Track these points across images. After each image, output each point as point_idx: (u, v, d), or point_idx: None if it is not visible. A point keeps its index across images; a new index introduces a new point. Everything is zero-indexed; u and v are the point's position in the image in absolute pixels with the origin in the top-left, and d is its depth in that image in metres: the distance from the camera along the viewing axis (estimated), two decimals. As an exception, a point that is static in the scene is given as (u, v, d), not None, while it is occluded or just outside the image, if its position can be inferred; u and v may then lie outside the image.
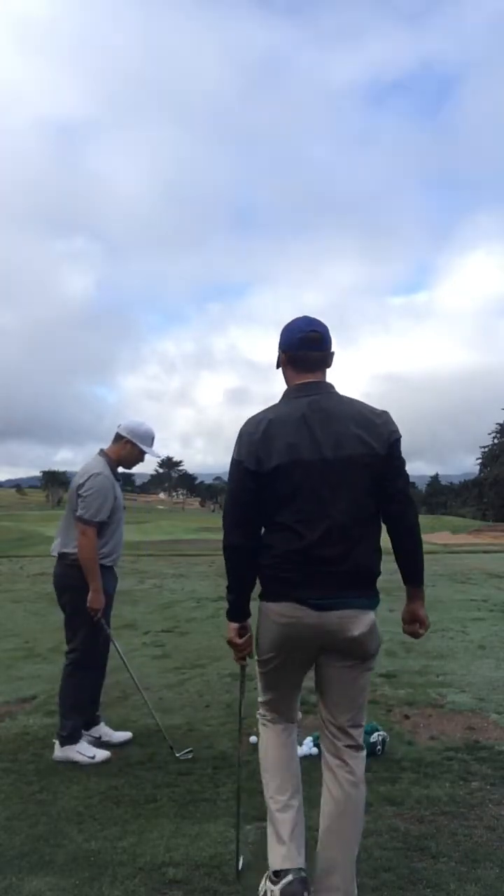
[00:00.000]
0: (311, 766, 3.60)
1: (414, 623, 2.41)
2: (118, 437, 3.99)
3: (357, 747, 2.35)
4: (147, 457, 4.04)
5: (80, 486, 3.77)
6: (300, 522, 2.20)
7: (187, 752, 3.77)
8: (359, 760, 2.34)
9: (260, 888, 2.35)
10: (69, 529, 3.82)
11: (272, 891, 2.23)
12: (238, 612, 2.42)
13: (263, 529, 2.32)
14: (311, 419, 2.24)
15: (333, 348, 2.43)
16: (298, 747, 3.76)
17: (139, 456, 4.01)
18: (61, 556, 3.85)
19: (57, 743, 3.76)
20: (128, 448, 3.97)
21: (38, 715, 4.58)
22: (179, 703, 4.82)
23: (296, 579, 2.21)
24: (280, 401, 2.40)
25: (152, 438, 4.03)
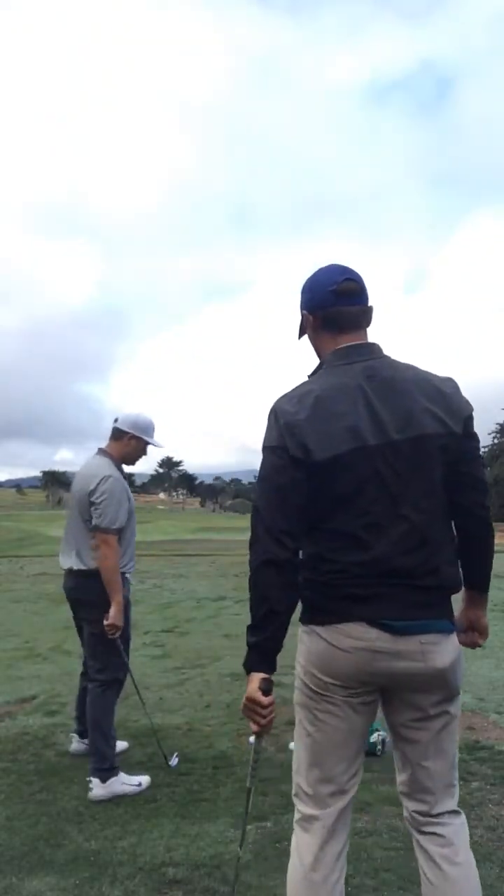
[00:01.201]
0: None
1: (474, 632, 1.97)
2: (120, 433, 3.64)
3: (454, 812, 1.81)
4: (149, 450, 3.75)
5: (92, 491, 3.41)
6: (366, 528, 1.69)
7: (174, 758, 3.67)
8: (457, 826, 1.79)
9: None
10: (82, 541, 3.48)
11: None
12: (265, 657, 1.73)
13: (309, 539, 1.76)
14: (369, 391, 1.74)
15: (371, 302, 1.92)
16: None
17: (143, 450, 3.71)
18: (77, 570, 3.50)
19: (96, 780, 3.27)
20: (132, 444, 3.66)
21: (38, 715, 4.58)
22: (179, 703, 4.82)
23: (363, 594, 1.69)
24: (322, 370, 1.87)
25: (154, 429, 3.74)
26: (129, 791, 3.30)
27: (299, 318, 1.95)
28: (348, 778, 1.78)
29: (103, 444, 3.74)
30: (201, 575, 14.10)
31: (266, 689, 1.71)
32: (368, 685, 1.72)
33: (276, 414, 1.77)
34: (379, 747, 3.68)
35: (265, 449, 1.76)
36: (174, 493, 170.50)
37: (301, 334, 1.98)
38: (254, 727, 1.77)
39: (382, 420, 1.72)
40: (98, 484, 3.41)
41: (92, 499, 3.40)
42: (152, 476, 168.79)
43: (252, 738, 4.42)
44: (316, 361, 1.95)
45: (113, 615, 3.36)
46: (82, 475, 3.58)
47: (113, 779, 3.29)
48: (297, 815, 1.82)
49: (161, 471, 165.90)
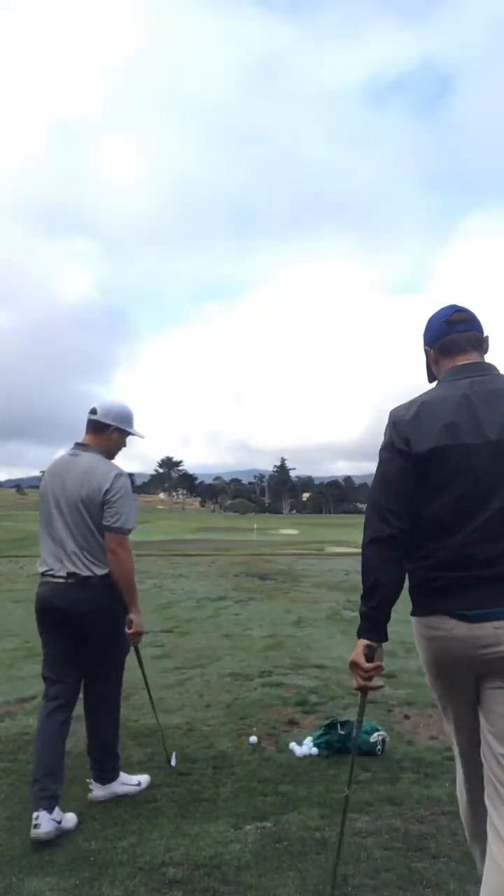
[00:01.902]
0: (310, 765, 3.61)
1: None
2: (102, 426, 3.31)
3: None
4: (147, 458, 3.66)
5: (108, 490, 3.13)
6: (454, 514, 1.93)
7: (174, 758, 3.67)
8: None
9: None
10: (89, 545, 3.16)
11: None
12: (372, 626, 2.01)
13: (413, 527, 2.01)
14: (473, 399, 1.98)
15: (486, 333, 2.18)
16: (298, 747, 3.79)
17: (124, 443, 3.42)
18: (87, 577, 3.14)
19: (96, 784, 3.27)
20: (115, 437, 3.34)
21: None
22: (179, 703, 4.83)
23: (444, 586, 1.93)
24: (434, 387, 2.15)
25: (133, 418, 3.46)
26: (128, 791, 3.28)
27: (425, 359, 2.24)
28: (466, 727, 2.04)
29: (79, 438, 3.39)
30: (201, 575, 14.10)
31: (368, 654, 1.99)
32: (454, 668, 1.96)
33: (390, 417, 2.10)
34: (379, 747, 3.68)
35: (380, 450, 2.08)
36: (174, 493, 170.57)
37: (430, 378, 2.24)
38: (354, 684, 2.06)
39: (481, 422, 1.95)
40: (113, 482, 3.16)
41: (107, 497, 3.13)
42: (152, 476, 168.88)
43: (252, 738, 4.42)
44: None
45: (138, 622, 3.24)
46: (83, 472, 3.19)
47: (112, 781, 3.28)
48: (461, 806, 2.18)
49: (161, 471, 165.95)
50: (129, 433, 3.41)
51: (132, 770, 3.53)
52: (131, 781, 3.33)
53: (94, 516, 3.15)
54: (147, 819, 3.03)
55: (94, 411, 3.33)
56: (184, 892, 2.46)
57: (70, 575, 3.13)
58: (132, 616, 3.22)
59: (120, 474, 3.21)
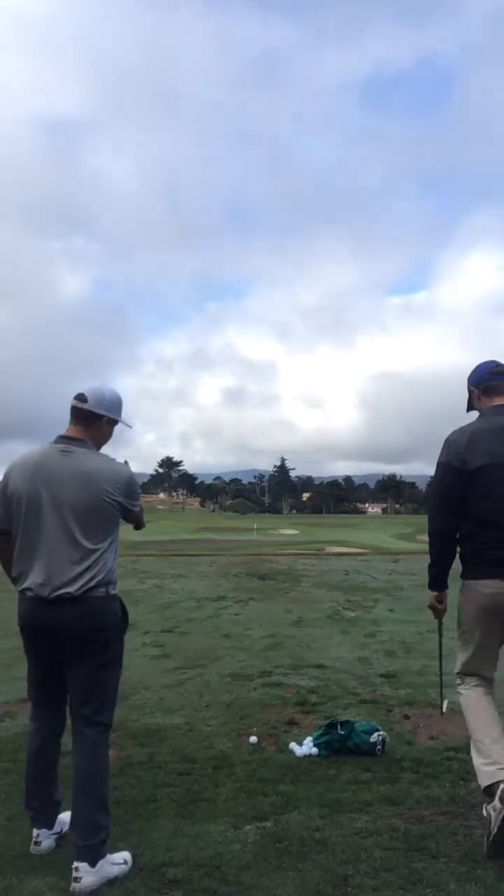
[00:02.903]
0: (310, 765, 3.61)
1: None
2: (94, 417, 2.89)
3: None
4: (147, 458, 3.39)
5: (130, 483, 2.88)
6: (498, 514, 2.77)
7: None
8: None
9: (484, 812, 2.72)
10: (84, 554, 2.73)
11: (495, 807, 2.57)
12: (437, 582, 3.08)
13: (468, 521, 2.87)
14: None
15: None
16: (298, 747, 3.79)
17: (111, 433, 3.05)
18: (79, 596, 2.72)
19: (84, 865, 2.54)
20: (106, 428, 2.97)
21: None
22: (179, 703, 4.82)
23: (497, 561, 2.75)
24: (479, 419, 2.99)
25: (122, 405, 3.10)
26: (120, 872, 2.62)
27: (467, 395, 3.12)
28: (490, 656, 2.93)
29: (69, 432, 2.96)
30: (201, 575, 14.10)
31: (438, 598, 3.12)
32: (500, 615, 2.79)
33: (447, 442, 2.93)
34: (378, 747, 3.68)
35: (439, 465, 2.94)
36: (174, 493, 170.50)
37: (469, 408, 3.12)
38: (435, 617, 3.24)
39: None
40: (131, 475, 2.91)
41: (132, 489, 2.89)
42: (152, 476, 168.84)
43: (252, 738, 4.43)
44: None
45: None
46: (91, 472, 2.77)
47: (102, 860, 2.60)
48: (460, 688, 2.98)
49: (161, 471, 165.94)
50: (118, 422, 3.03)
51: (132, 769, 3.53)
52: (117, 860, 2.67)
53: (110, 517, 2.79)
54: (147, 819, 3.04)
55: (83, 398, 2.88)
56: (184, 892, 2.46)
57: (60, 594, 2.73)
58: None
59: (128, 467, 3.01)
